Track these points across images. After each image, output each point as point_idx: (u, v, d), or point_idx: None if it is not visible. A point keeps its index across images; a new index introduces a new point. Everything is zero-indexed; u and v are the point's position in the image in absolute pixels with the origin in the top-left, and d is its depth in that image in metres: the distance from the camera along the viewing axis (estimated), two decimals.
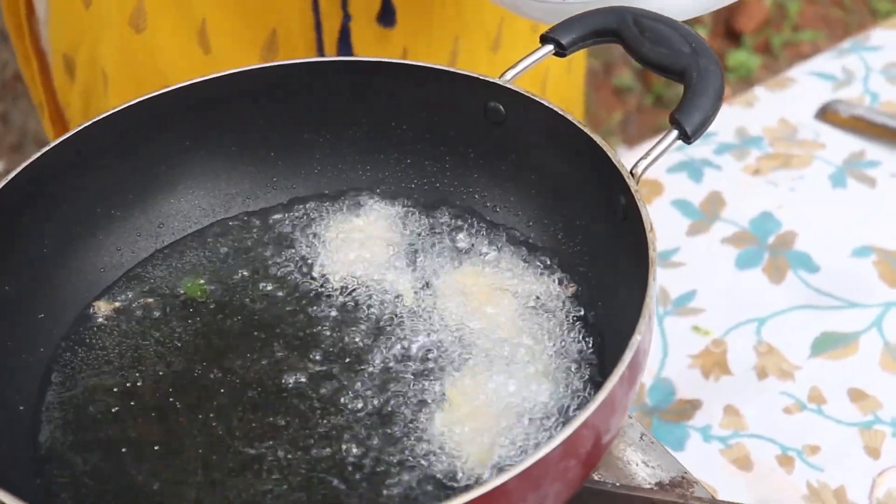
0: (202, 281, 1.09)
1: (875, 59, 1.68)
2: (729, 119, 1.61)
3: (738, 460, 1.27)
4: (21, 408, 1.00)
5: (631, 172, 0.97)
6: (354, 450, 0.96)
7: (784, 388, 1.32)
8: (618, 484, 0.98)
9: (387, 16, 1.42)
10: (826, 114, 1.60)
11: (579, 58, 1.68)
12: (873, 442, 1.27)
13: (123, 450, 0.97)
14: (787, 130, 1.60)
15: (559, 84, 1.60)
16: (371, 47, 1.43)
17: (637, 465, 1.02)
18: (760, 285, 1.43)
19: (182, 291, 1.08)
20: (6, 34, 3.39)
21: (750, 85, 2.76)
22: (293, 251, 1.11)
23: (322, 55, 1.41)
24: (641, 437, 1.03)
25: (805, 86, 1.66)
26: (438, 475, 0.93)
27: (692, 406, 1.32)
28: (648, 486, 0.99)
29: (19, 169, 1.02)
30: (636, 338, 0.87)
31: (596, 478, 0.98)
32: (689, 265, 1.45)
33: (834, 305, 1.40)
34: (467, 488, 0.91)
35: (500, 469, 0.93)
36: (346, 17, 1.40)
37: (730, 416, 1.30)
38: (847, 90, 1.64)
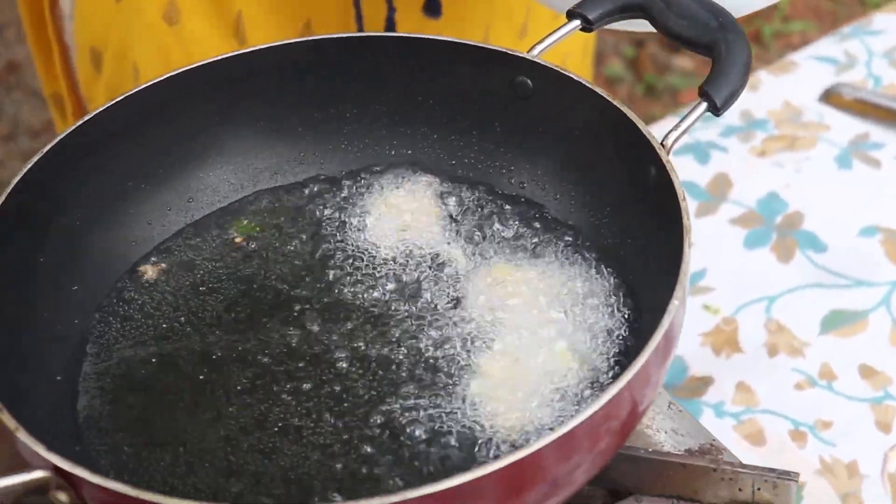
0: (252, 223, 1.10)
1: (877, 44, 1.70)
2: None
3: (751, 435, 1.28)
4: (58, 377, 1.01)
5: (662, 144, 0.98)
6: (384, 418, 0.97)
7: (795, 364, 1.33)
8: (650, 450, 0.99)
9: (433, 5, 1.42)
10: (830, 97, 1.62)
11: (590, 43, 1.69)
12: (884, 417, 1.29)
13: (158, 418, 0.99)
14: (792, 113, 1.62)
15: (576, 66, 1.62)
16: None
17: (666, 433, 1.03)
18: (769, 265, 1.44)
19: (233, 234, 1.10)
20: None
21: None
22: (322, 223, 1.13)
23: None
24: (669, 406, 1.05)
25: (808, 70, 1.68)
26: (474, 441, 0.94)
27: (704, 383, 1.33)
28: (678, 454, 1.01)
29: (53, 143, 1.03)
30: (674, 303, 0.88)
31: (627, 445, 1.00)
32: (697, 245, 1.46)
33: (842, 284, 1.41)
34: (502, 455, 0.91)
35: (536, 436, 0.94)
36: (391, 10, 1.41)
37: (742, 393, 1.32)
38: (850, 74, 1.66)
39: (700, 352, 1.36)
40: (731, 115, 1.62)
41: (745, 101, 1.64)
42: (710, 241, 1.47)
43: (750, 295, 1.41)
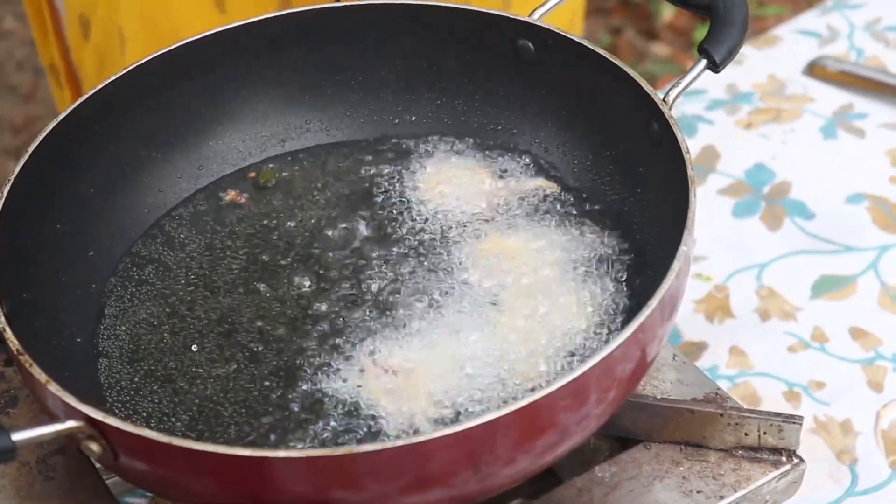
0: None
1: (858, 17, 1.73)
2: (719, 76, 1.64)
3: (746, 397, 1.30)
4: (79, 339, 1.03)
5: (664, 100, 1.01)
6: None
7: (787, 328, 1.36)
8: (658, 398, 1.01)
9: None
10: (814, 69, 1.65)
11: (578, 16, 1.71)
12: (876, 377, 1.31)
13: (177, 374, 1.01)
14: (777, 86, 1.64)
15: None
16: None
17: (671, 383, 1.06)
18: (758, 233, 1.47)
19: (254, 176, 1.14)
20: None
21: None
22: (330, 187, 1.15)
23: None
24: (674, 358, 1.07)
25: (791, 43, 1.71)
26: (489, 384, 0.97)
27: (698, 348, 1.35)
28: (686, 400, 1.03)
29: (68, 111, 1.05)
30: (682, 249, 0.91)
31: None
32: None
33: (831, 250, 1.44)
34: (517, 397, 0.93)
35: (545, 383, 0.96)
36: None
37: (735, 357, 1.34)
38: (832, 47, 1.69)
39: (693, 318, 1.38)
40: (717, 89, 1.65)
41: (730, 74, 1.66)
42: (699, 212, 1.45)
43: (741, 262, 1.43)
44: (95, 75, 1.54)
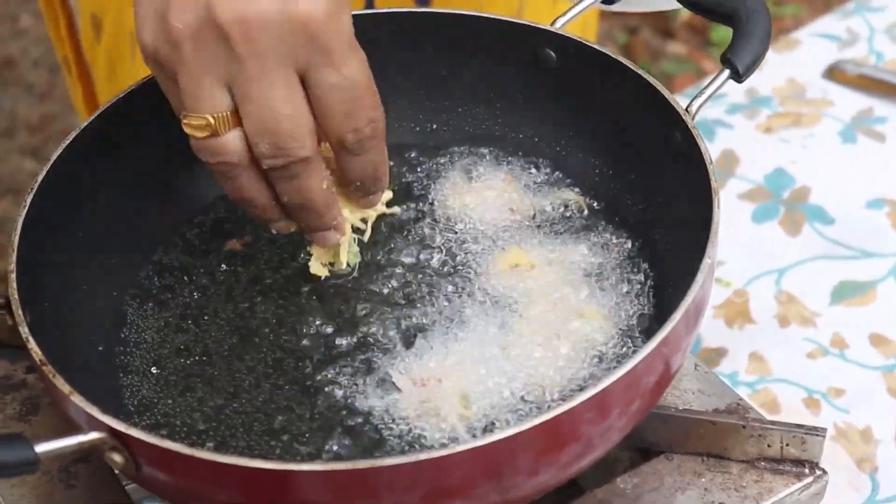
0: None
1: (878, 20, 1.73)
2: None
3: (766, 404, 1.30)
4: (100, 348, 1.03)
5: (686, 110, 1.01)
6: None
7: (806, 334, 1.36)
8: (680, 409, 1.01)
9: None
10: (834, 73, 1.64)
11: (592, 22, 1.71)
12: None
13: (198, 384, 1.01)
14: (796, 90, 1.64)
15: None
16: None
17: (693, 393, 1.06)
18: (778, 238, 1.47)
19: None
20: None
21: None
22: None
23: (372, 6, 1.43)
24: (696, 368, 1.07)
25: (811, 47, 1.70)
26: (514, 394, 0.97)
27: (718, 354, 1.35)
28: (708, 411, 1.03)
29: (89, 120, 1.05)
30: (706, 261, 0.91)
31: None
32: None
33: (850, 255, 1.44)
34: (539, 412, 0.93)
35: (568, 395, 0.96)
36: None
37: (755, 363, 1.34)
38: (852, 50, 1.68)
39: (713, 323, 1.38)
40: (737, 93, 1.64)
41: (749, 78, 1.65)
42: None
43: (760, 267, 1.43)
44: (107, 79, 1.54)
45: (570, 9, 1.09)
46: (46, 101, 3.16)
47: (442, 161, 1.17)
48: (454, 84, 1.17)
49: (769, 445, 1.00)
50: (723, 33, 3.09)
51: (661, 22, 3.31)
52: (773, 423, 1.00)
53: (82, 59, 1.58)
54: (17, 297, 0.92)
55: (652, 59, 3.18)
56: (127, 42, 1.49)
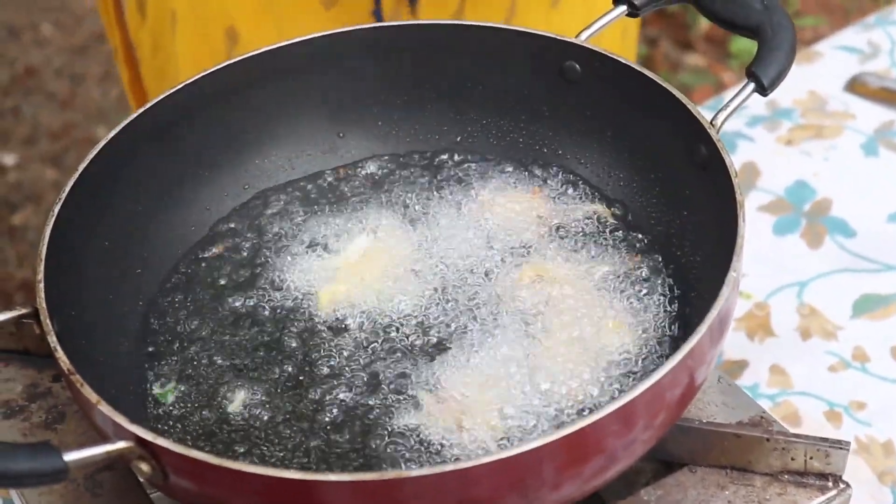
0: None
1: None
2: None
3: (787, 417, 1.30)
4: (125, 357, 1.04)
5: (711, 123, 1.01)
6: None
7: (828, 347, 1.36)
8: (704, 421, 1.01)
9: None
10: (855, 85, 1.64)
11: (633, 26, 1.71)
12: None
13: (223, 393, 1.02)
14: (817, 102, 1.64)
15: (613, 48, 1.62)
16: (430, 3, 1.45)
17: (717, 406, 1.06)
18: (799, 250, 1.47)
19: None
20: (16, 32, 3.41)
21: None
22: (370, 203, 1.16)
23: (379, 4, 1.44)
24: (719, 380, 1.07)
25: (832, 59, 1.71)
26: (539, 406, 0.97)
27: (739, 366, 1.35)
28: (731, 424, 1.03)
29: (116, 131, 1.06)
30: (731, 275, 0.91)
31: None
32: None
33: (872, 269, 1.43)
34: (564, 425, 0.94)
35: (593, 408, 0.96)
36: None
37: (776, 375, 1.34)
38: (874, 63, 1.69)
39: (734, 336, 1.38)
40: (758, 106, 1.64)
41: None
42: None
43: (781, 280, 1.43)
44: (150, 55, 1.56)
45: (594, 22, 1.09)
46: (68, 109, 3.17)
47: (467, 173, 1.17)
48: (479, 96, 1.17)
49: (793, 458, 1.00)
50: (742, 45, 3.09)
51: (680, 33, 3.31)
52: (797, 436, 1.00)
53: (129, 42, 1.60)
54: (44, 306, 0.92)
55: (671, 70, 3.18)
56: (167, 19, 1.51)
